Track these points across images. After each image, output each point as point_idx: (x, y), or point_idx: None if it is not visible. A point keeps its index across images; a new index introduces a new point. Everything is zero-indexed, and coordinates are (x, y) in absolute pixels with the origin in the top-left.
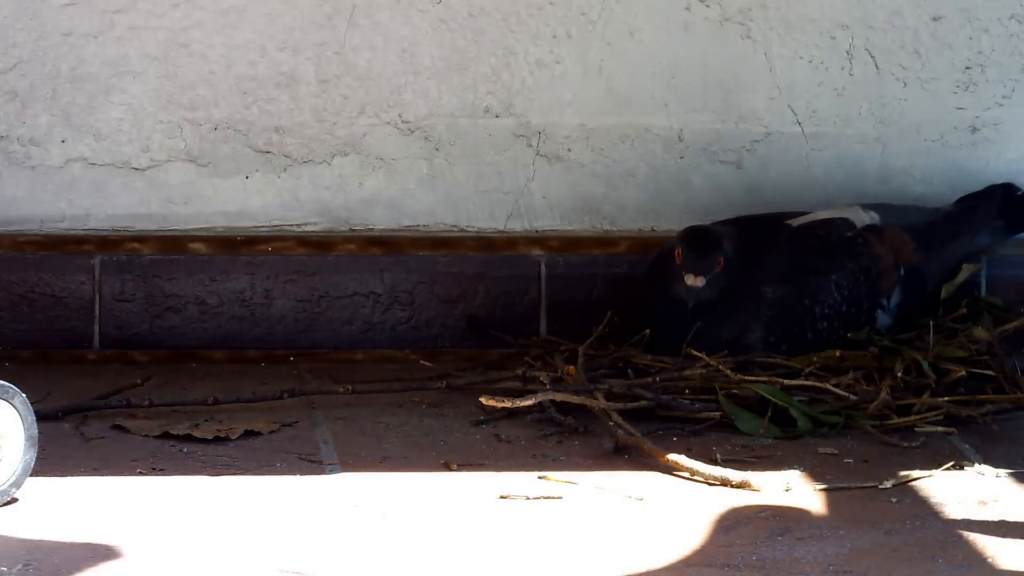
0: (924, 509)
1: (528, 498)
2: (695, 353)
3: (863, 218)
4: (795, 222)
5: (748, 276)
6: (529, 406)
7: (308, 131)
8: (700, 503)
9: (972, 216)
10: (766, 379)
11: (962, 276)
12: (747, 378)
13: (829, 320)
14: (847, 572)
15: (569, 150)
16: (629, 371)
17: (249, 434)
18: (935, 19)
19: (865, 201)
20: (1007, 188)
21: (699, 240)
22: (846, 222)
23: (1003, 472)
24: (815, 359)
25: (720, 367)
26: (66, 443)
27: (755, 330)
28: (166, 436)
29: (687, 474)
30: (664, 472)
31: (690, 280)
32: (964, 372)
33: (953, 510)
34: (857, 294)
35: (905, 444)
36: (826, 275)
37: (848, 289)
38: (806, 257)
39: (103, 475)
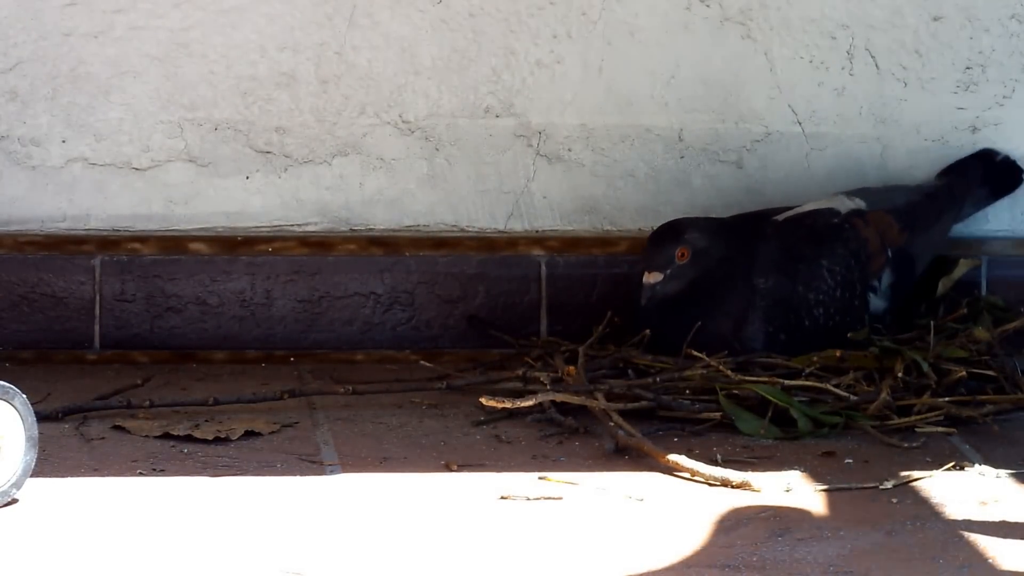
0: (925, 510)
1: (528, 499)
2: (695, 353)
3: (848, 205)
4: (781, 216)
5: (740, 272)
6: (529, 407)
7: (308, 131)
8: (701, 504)
9: (953, 192)
10: (766, 379)
11: (959, 271)
12: (747, 378)
13: (824, 306)
14: (848, 573)
15: (569, 150)
16: (629, 371)
17: (249, 435)
18: (935, 19)
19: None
20: (986, 156)
21: (656, 234)
22: (832, 211)
23: (1004, 473)
24: (815, 359)
25: (720, 367)
26: (66, 444)
27: (754, 322)
28: (166, 437)
29: (687, 475)
30: (665, 473)
31: (645, 278)
32: (964, 372)
33: (954, 510)
34: (849, 278)
35: (906, 444)
36: (817, 261)
37: (840, 274)
38: (795, 246)
39: (103, 476)
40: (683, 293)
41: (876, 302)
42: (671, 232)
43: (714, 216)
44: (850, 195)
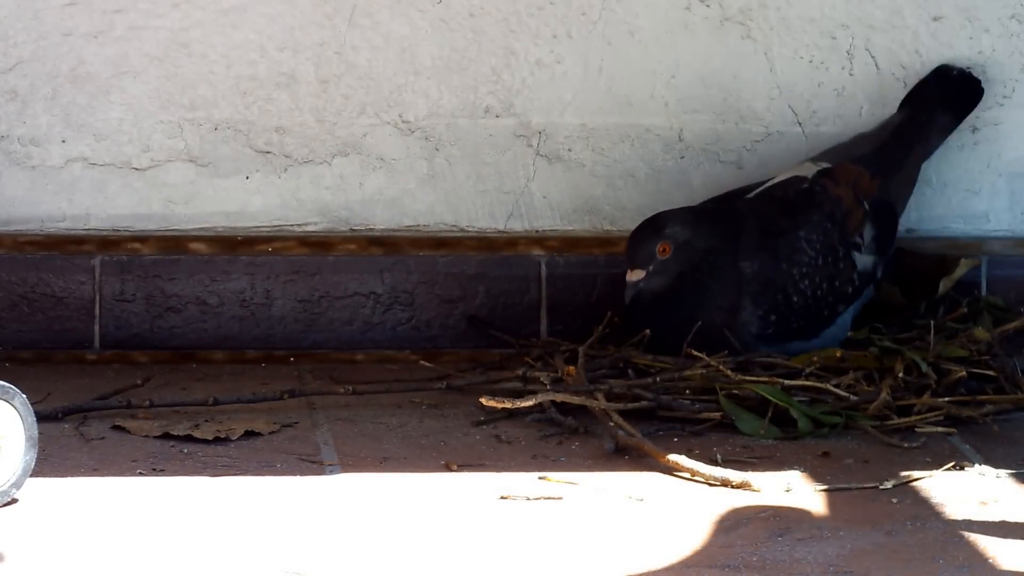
0: (925, 510)
1: (528, 499)
2: (695, 353)
3: (813, 169)
4: (751, 193)
5: (726, 259)
6: (529, 407)
7: (308, 131)
8: (700, 504)
9: (918, 121)
10: (766, 379)
11: (959, 271)
12: (747, 378)
13: (810, 278)
14: (848, 573)
15: (569, 150)
16: (629, 371)
17: (249, 435)
18: (935, 19)
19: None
20: (943, 73)
21: (636, 231)
22: (799, 178)
23: (1004, 472)
24: (815, 359)
25: (720, 367)
26: (66, 444)
27: (746, 307)
28: (166, 437)
29: (687, 475)
30: (665, 473)
31: (627, 276)
32: (964, 372)
33: (954, 510)
34: (828, 242)
35: (906, 444)
36: (794, 233)
37: (819, 241)
38: (772, 222)
39: (103, 475)
40: (670, 288)
41: (863, 259)
42: (651, 227)
43: (695, 204)
44: (816, 160)
